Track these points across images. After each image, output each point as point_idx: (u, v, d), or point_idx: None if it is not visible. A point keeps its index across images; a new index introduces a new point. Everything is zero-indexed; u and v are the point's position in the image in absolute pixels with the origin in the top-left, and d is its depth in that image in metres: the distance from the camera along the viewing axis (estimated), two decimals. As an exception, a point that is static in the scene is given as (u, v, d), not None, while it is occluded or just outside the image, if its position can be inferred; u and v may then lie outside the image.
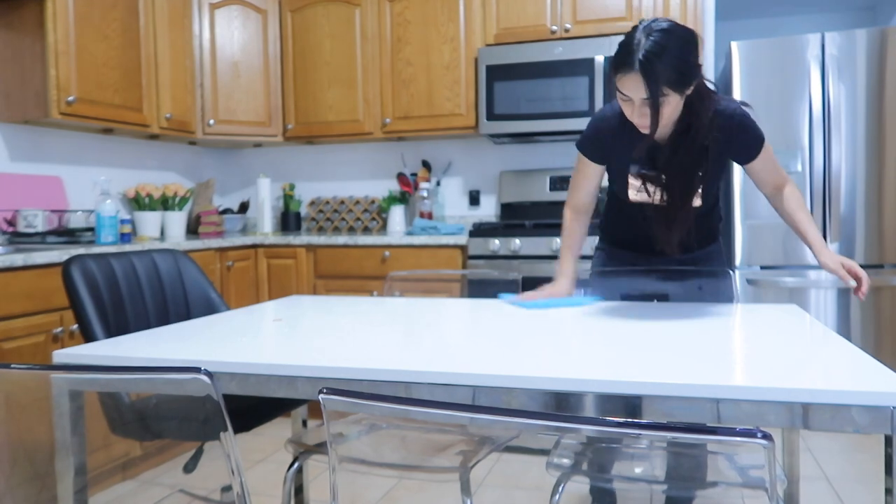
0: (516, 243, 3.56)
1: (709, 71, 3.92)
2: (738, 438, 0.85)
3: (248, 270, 3.93)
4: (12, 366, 1.23)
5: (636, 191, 2.12)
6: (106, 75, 3.43)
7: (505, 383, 1.25)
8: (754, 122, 2.04)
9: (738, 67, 3.64)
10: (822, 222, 3.57)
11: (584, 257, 2.52)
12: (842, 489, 2.86)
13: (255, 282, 3.98)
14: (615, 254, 2.37)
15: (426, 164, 4.37)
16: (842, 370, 1.24)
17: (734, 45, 3.64)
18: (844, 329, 3.58)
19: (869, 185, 3.52)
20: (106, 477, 3.02)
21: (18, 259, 2.60)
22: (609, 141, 2.11)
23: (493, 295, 2.29)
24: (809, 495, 2.81)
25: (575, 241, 2.27)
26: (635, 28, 1.84)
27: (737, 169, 3.65)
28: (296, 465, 1.96)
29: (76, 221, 3.44)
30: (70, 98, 3.20)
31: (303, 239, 3.92)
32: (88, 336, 1.93)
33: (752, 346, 1.47)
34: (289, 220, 4.60)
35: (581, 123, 3.67)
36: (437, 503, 2.82)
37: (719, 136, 1.98)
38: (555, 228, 3.53)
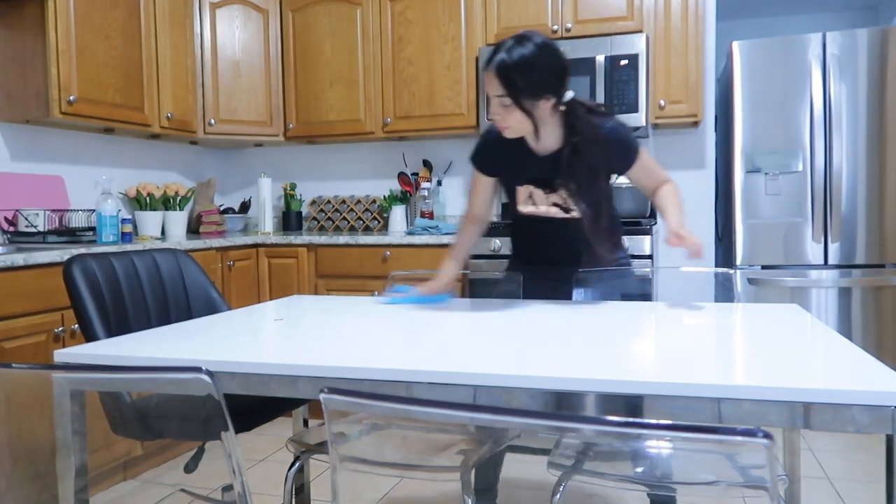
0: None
1: (710, 71, 3.92)
2: (740, 438, 0.85)
3: (250, 270, 3.93)
4: (13, 365, 1.23)
5: (524, 202, 2.25)
6: (107, 75, 3.43)
7: (506, 383, 1.25)
8: (626, 136, 2.21)
9: (738, 67, 3.64)
10: (822, 222, 3.57)
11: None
12: (843, 489, 2.86)
13: (257, 281, 3.98)
14: (520, 268, 2.46)
15: (427, 164, 4.37)
16: (843, 370, 1.24)
17: (735, 44, 3.64)
18: (845, 329, 3.58)
19: (870, 184, 3.52)
20: (107, 476, 3.02)
21: (19, 259, 2.60)
22: (497, 153, 2.26)
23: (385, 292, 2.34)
24: (810, 495, 2.81)
25: (461, 246, 2.41)
26: (512, 36, 2.03)
27: (737, 170, 3.65)
28: (297, 464, 1.96)
29: (77, 221, 3.44)
30: (71, 97, 3.20)
31: (304, 238, 3.92)
32: (89, 336, 1.93)
33: (753, 345, 1.47)
34: (290, 219, 4.60)
35: (582, 123, 3.67)
36: (437, 502, 2.82)
37: (598, 149, 2.14)
38: (556, 228, 3.53)
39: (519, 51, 1.98)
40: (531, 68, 1.99)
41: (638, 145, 2.24)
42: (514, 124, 2.06)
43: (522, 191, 2.24)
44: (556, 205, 2.21)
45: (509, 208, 2.37)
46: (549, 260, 2.38)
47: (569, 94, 2.11)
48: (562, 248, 2.33)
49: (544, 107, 2.04)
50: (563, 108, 2.10)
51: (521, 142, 2.17)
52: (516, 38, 2.01)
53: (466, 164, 4.40)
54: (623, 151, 2.21)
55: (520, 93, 2.00)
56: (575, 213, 2.23)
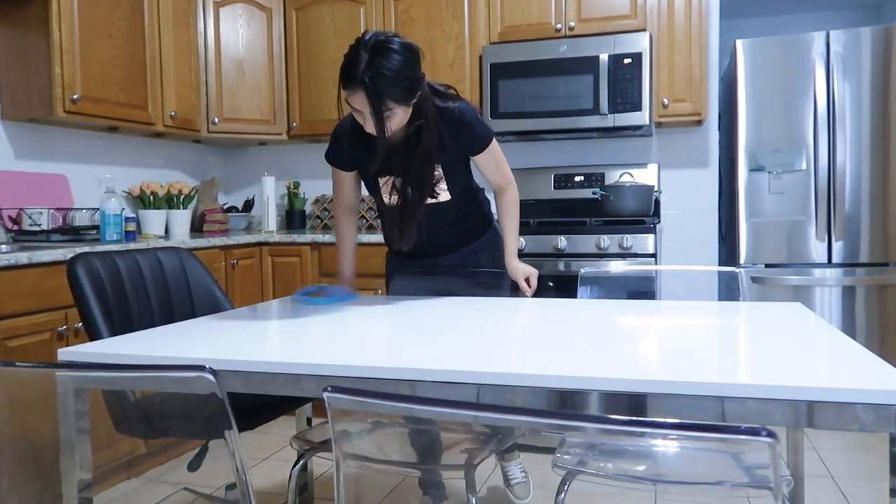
0: (521, 241, 3.56)
1: (713, 69, 3.91)
2: (743, 437, 0.85)
3: (253, 268, 3.93)
4: (17, 364, 1.23)
5: (388, 194, 2.26)
6: (110, 73, 3.43)
7: (509, 381, 1.25)
8: (479, 120, 2.22)
9: (742, 66, 3.63)
10: (826, 220, 3.56)
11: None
12: (846, 487, 2.85)
13: (260, 280, 3.99)
14: (401, 260, 2.48)
15: (430, 163, 4.36)
16: (846, 368, 1.23)
17: (739, 43, 3.63)
18: (849, 327, 3.57)
19: (874, 183, 3.51)
20: (111, 475, 3.03)
21: (23, 257, 2.61)
22: (349, 149, 2.25)
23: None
24: (814, 494, 2.81)
25: (348, 246, 2.44)
26: (357, 44, 1.96)
27: (740, 168, 3.65)
28: (300, 462, 1.97)
29: (81, 220, 3.44)
30: (75, 96, 3.21)
31: (307, 237, 3.93)
32: (93, 334, 1.94)
33: (756, 344, 1.46)
34: (293, 218, 4.60)
35: (585, 121, 3.67)
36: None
37: (445, 132, 2.14)
38: (560, 226, 3.53)
39: (386, 64, 1.92)
40: (403, 75, 1.95)
41: (491, 133, 2.25)
42: (397, 125, 2.03)
43: (386, 183, 2.24)
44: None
45: (375, 202, 2.37)
46: (426, 253, 2.40)
47: None
48: (431, 238, 2.34)
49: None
50: None
51: (368, 134, 2.11)
52: (367, 50, 1.93)
53: (470, 162, 4.40)
54: (470, 134, 2.20)
55: (402, 101, 1.97)
56: (443, 198, 2.26)
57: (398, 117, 2.01)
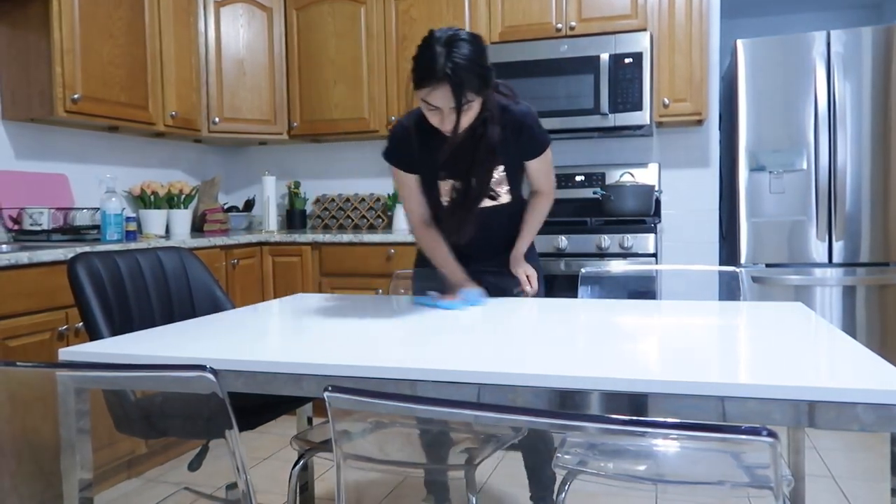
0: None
1: (714, 69, 3.91)
2: (744, 437, 0.85)
3: (254, 268, 3.94)
4: (18, 364, 1.23)
5: (448, 196, 2.22)
6: (111, 73, 3.43)
7: (510, 381, 1.25)
8: (539, 124, 2.19)
9: (743, 65, 3.63)
10: (827, 220, 3.56)
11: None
12: (847, 487, 2.85)
13: (261, 280, 3.99)
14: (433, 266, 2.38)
15: (431, 162, 4.36)
16: (847, 368, 1.23)
17: (739, 43, 3.63)
18: (850, 327, 3.57)
19: (874, 183, 3.51)
20: (111, 475, 3.03)
21: (24, 257, 2.61)
22: (414, 149, 2.19)
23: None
24: (815, 493, 2.80)
25: (445, 251, 2.29)
26: (430, 40, 1.93)
27: (741, 168, 3.65)
28: (301, 462, 1.97)
29: (81, 219, 3.44)
30: (75, 96, 3.21)
31: (308, 237, 3.93)
32: (94, 334, 1.94)
33: (757, 344, 1.46)
34: (294, 217, 4.60)
35: (586, 121, 3.67)
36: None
37: (508, 133, 2.12)
38: (561, 226, 3.53)
39: (464, 55, 1.90)
40: (479, 64, 1.93)
41: (548, 139, 2.23)
42: (470, 119, 2.00)
43: (445, 185, 2.21)
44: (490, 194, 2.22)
45: (432, 205, 2.29)
46: (470, 253, 2.34)
47: None
48: (484, 240, 2.30)
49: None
50: None
51: (433, 131, 2.08)
52: (444, 44, 1.90)
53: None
54: (530, 136, 2.18)
55: (479, 91, 1.95)
56: (503, 199, 2.24)
57: (473, 110, 1.97)
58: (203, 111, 4.10)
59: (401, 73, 4.10)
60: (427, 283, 2.36)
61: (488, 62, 1.98)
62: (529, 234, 2.35)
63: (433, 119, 1.99)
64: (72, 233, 3.35)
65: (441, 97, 1.92)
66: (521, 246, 2.36)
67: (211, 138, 4.28)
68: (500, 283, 2.34)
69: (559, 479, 1.59)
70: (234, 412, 1.16)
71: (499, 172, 2.20)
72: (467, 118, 1.97)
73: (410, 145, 2.19)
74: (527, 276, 2.33)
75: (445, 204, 2.24)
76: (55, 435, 1.37)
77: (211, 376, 1.14)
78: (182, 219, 4.04)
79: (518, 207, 2.32)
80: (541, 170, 2.27)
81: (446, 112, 1.95)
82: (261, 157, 4.87)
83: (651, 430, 0.89)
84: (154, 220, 3.90)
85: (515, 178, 2.25)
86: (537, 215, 2.35)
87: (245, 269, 3.86)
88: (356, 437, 1.14)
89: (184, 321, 1.90)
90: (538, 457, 2.42)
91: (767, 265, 3.66)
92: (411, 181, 2.26)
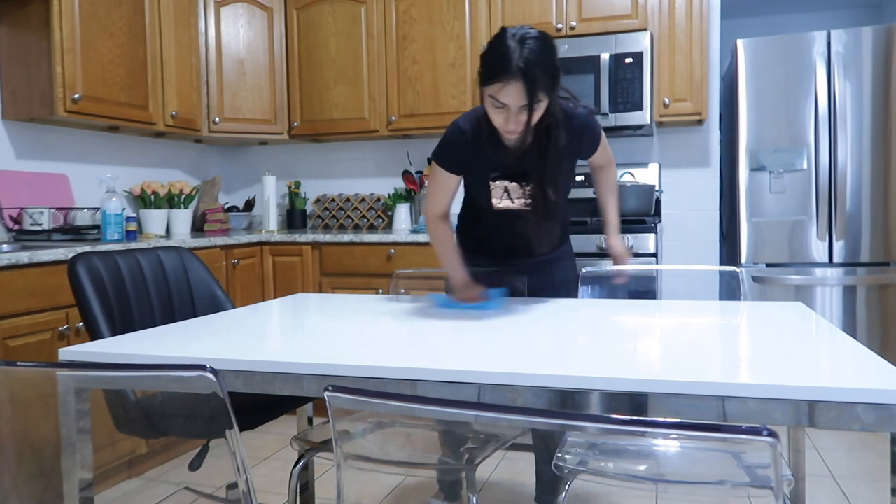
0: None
1: (714, 69, 3.91)
2: (744, 436, 0.85)
3: (254, 268, 3.94)
4: (18, 363, 1.23)
5: (499, 198, 2.20)
6: (112, 73, 3.43)
7: (510, 381, 1.25)
8: (598, 124, 2.20)
9: (743, 65, 3.63)
10: (827, 220, 3.56)
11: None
12: (848, 487, 2.85)
13: (261, 279, 3.99)
14: (473, 261, 2.37)
15: (431, 162, 4.36)
16: (848, 368, 1.23)
17: (740, 42, 3.63)
18: (850, 327, 3.57)
19: (875, 182, 3.51)
20: (112, 474, 3.03)
21: (24, 257, 2.61)
22: (467, 152, 2.14)
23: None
24: (815, 493, 2.80)
25: (453, 247, 2.28)
26: (503, 36, 1.89)
27: (741, 168, 3.64)
28: (301, 462, 1.97)
29: (82, 219, 3.44)
30: (76, 96, 3.21)
31: (308, 237, 3.93)
32: (94, 334, 1.94)
33: (757, 343, 1.46)
34: (294, 217, 4.60)
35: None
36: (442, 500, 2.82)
37: (572, 137, 2.10)
38: (560, 226, 3.52)
39: (537, 52, 1.85)
40: (551, 63, 1.89)
41: (601, 129, 2.23)
42: (535, 120, 1.95)
43: (497, 186, 2.18)
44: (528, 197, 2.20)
45: (476, 204, 2.29)
46: (507, 252, 2.35)
47: None
48: (523, 240, 2.28)
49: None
50: None
51: (492, 136, 2.06)
52: (517, 40, 1.86)
53: (470, 162, 4.40)
54: (590, 138, 2.19)
55: (549, 91, 1.89)
56: (552, 199, 2.22)
57: (541, 110, 1.92)
58: (203, 111, 4.10)
59: (401, 73, 4.10)
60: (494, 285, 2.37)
61: (558, 62, 1.92)
62: (614, 209, 2.37)
63: (497, 118, 1.93)
64: (72, 232, 3.35)
65: (513, 94, 1.86)
66: (615, 217, 2.36)
67: (211, 138, 4.28)
68: (541, 281, 2.34)
69: (559, 479, 1.59)
70: (234, 412, 1.16)
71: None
72: (536, 117, 1.92)
73: (463, 150, 2.14)
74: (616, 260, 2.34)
75: (496, 206, 2.22)
76: (56, 434, 1.37)
77: (211, 376, 1.14)
78: (182, 219, 4.04)
79: (561, 207, 2.28)
80: (600, 155, 2.28)
81: (514, 111, 1.89)
82: (261, 156, 4.87)
83: (651, 430, 0.88)
84: (154, 219, 3.90)
85: (567, 178, 2.24)
86: (613, 190, 2.38)
87: (245, 269, 3.86)
88: (356, 436, 1.14)
89: (184, 321, 1.90)
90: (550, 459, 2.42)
91: (768, 265, 3.66)
92: (451, 181, 2.22)
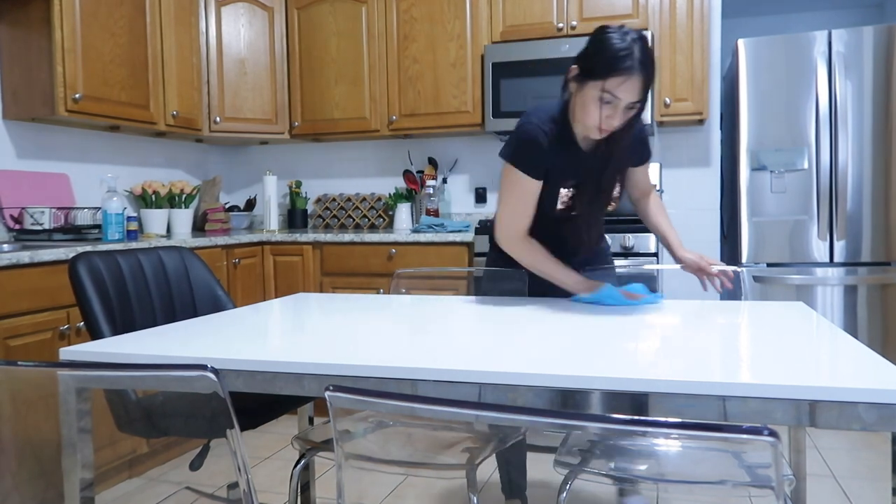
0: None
1: (715, 68, 3.91)
2: (745, 436, 0.85)
3: (255, 268, 3.94)
4: (19, 363, 1.23)
5: (562, 203, 2.18)
6: (112, 73, 3.44)
7: (511, 380, 1.25)
8: (648, 133, 2.29)
9: (744, 65, 3.63)
10: (828, 219, 3.56)
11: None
12: (849, 487, 2.85)
13: (262, 279, 3.99)
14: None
15: (432, 162, 4.36)
16: (849, 367, 1.23)
17: (741, 42, 3.63)
18: (851, 326, 3.57)
19: (876, 182, 3.51)
20: (112, 474, 3.03)
21: (25, 256, 2.61)
22: (550, 155, 2.07)
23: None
24: (816, 493, 2.80)
25: (552, 257, 2.16)
26: (613, 33, 1.90)
27: (742, 168, 3.64)
28: (302, 462, 1.97)
29: (83, 219, 3.45)
30: (77, 95, 3.21)
31: (309, 236, 3.93)
32: (95, 333, 1.94)
33: (758, 343, 1.46)
34: (295, 217, 4.60)
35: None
36: (443, 500, 2.82)
37: (635, 142, 2.15)
38: (561, 226, 3.52)
39: (647, 48, 1.89)
40: (655, 65, 1.95)
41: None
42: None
43: (565, 191, 2.14)
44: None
45: (541, 210, 2.16)
46: (553, 253, 2.30)
47: None
48: (567, 241, 2.25)
49: None
50: None
51: (569, 139, 2.05)
52: (632, 38, 1.88)
53: (471, 161, 4.40)
54: (643, 147, 2.25)
55: (651, 89, 1.95)
56: (612, 205, 2.25)
57: (638, 109, 1.97)
58: (204, 110, 4.10)
59: (402, 73, 4.10)
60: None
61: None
62: (671, 227, 2.36)
63: (601, 114, 1.91)
64: (73, 232, 3.35)
65: (632, 89, 1.87)
66: (677, 241, 2.31)
67: (212, 138, 4.28)
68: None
69: (560, 478, 1.59)
70: (235, 412, 1.16)
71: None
72: (641, 114, 1.98)
73: (548, 153, 2.05)
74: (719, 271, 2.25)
75: (558, 208, 2.17)
76: (56, 434, 1.37)
77: (212, 376, 1.14)
78: (183, 218, 4.05)
79: (607, 211, 2.28)
80: (645, 173, 2.34)
81: (623, 106, 1.90)
82: (262, 156, 4.87)
83: (652, 430, 0.88)
84: (155, 219, 3.90)
85: (621, 185, 2.24)
86: (664, 210, 2.40)
87: (246, 269, 3.86)
88: (357, 436, 1.14)
89: (185, 321, 1.90)
90: (510, 449, 2.43)
91: (769, 265, 3.66)
92: (535, 188, 2.09)
